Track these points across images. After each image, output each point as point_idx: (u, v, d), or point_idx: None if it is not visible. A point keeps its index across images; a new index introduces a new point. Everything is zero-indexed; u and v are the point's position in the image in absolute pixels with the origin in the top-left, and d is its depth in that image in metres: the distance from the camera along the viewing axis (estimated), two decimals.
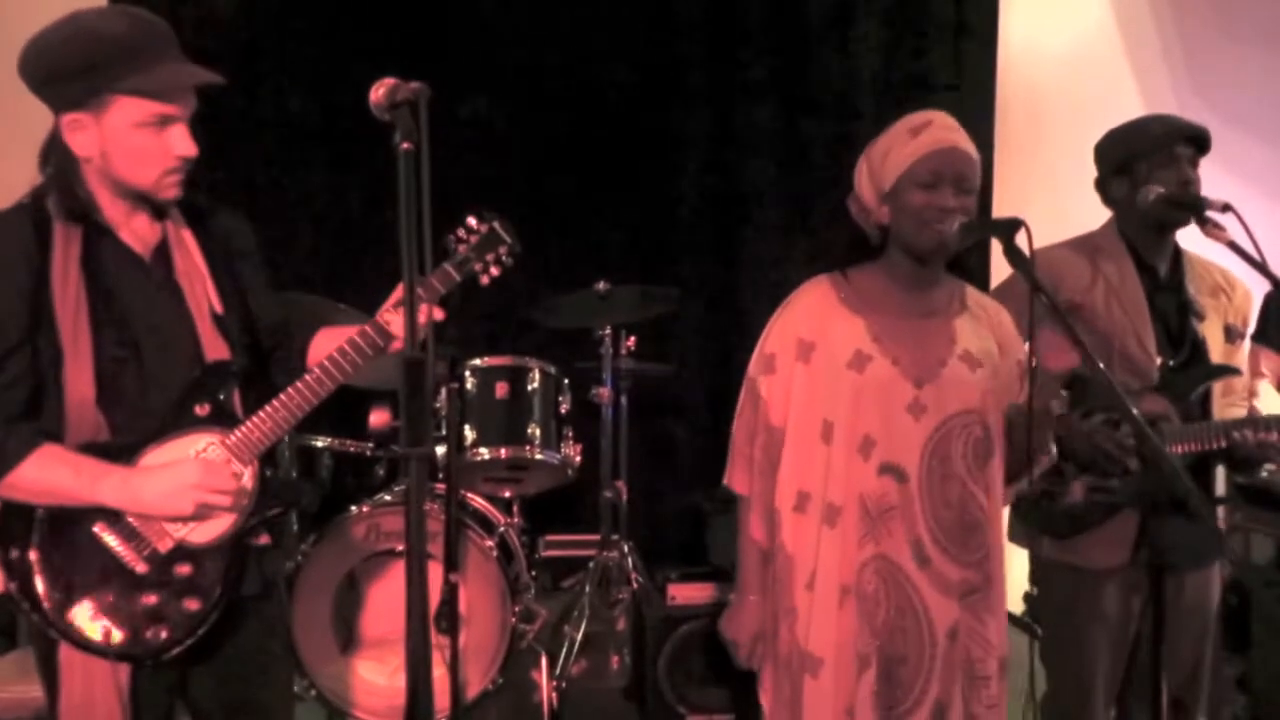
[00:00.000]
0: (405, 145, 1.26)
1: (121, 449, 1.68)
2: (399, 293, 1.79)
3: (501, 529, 3.34)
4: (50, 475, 1.62)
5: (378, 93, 1.38)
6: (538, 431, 3.19)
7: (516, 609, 3.11)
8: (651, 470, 4.30)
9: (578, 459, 3.38)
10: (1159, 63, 4.66)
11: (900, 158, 1.88)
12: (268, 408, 1.74)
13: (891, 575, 1.87)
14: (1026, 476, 1.97)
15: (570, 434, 3.37)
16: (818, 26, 4.50)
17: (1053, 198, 4.20)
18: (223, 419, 1.74)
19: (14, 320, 1.62)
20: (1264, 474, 2.35)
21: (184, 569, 1.70)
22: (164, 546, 1.69)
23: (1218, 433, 2.18)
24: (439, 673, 2.94)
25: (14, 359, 1.63)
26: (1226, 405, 2.34)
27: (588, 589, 3.47)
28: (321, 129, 4.18)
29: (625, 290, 3.44)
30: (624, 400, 3.69)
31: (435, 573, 2.64)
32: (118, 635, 1.66)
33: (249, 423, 1.74)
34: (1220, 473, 2.36)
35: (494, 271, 1.89)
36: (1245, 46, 4.64)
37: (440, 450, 2.88)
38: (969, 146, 1.88)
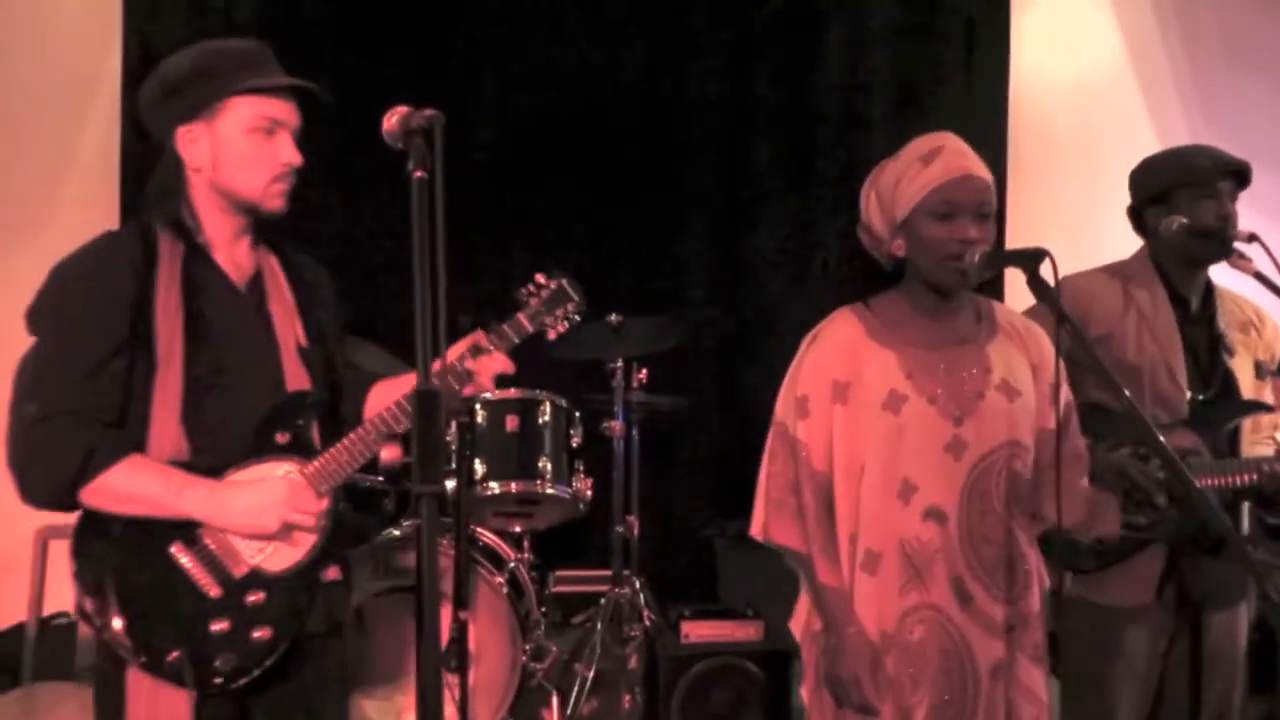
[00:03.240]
0: (419, 173, 1.24)
1: (205, 470, 1.68)
2: (474, 338, 1.84)
3: (512, 565, 3.29)
4: (139, 482, 1.62)
5: (391, 121, 1.36)
6: (548, 465, 3.15)
7: (527, 647, 3.06)
8: (664, 504, 4.25)
9: (589, 493, 3.34)
10: (1170, 93, 4.67)
11: (913, 189, 1.82)
12: (345, 440, 1.75)
13: (935, 619, 1.81)
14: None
15: (581, 468, 3.33)
16: (829, 56, 4.50)
17: (1065, 228, 4.19)
18: (301, 448, 1.75)
19: (116, 328, 1.64)
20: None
21: (256, 596, 1.69)
22: (239, 572, 1.68)
23: (1248, 468, 2.14)
24: (448, 712, 2.90)
25: (111, 365, 1.63)
26: (1254, 442, 2.29)
27: (599, 626, 3.41)
28: (332, 160, 4.18)
29: (637, 322, 3.41)
30: (635, 433, 3.64)
31: (445, 610, 2.61)
32: (189, 659, 1.63)
33: (326, 454, 1.74)
34: (1245, 511, 2.31)
35: (561, 327, 1.92)
36: (1255, 77, 4.64)
37: (450, 484, 2.84)
38: (983, 171, 1.83)
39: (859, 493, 1.84)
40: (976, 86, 4.56)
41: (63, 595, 3.09)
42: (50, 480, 1.61)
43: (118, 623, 1.62)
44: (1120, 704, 2.24)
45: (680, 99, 4.43)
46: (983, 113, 4.54)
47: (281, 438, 1.73)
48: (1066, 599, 2.32)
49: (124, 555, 1.64)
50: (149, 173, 3.95)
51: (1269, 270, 2.03)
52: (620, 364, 3.48)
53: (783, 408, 1.95)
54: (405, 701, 3.03)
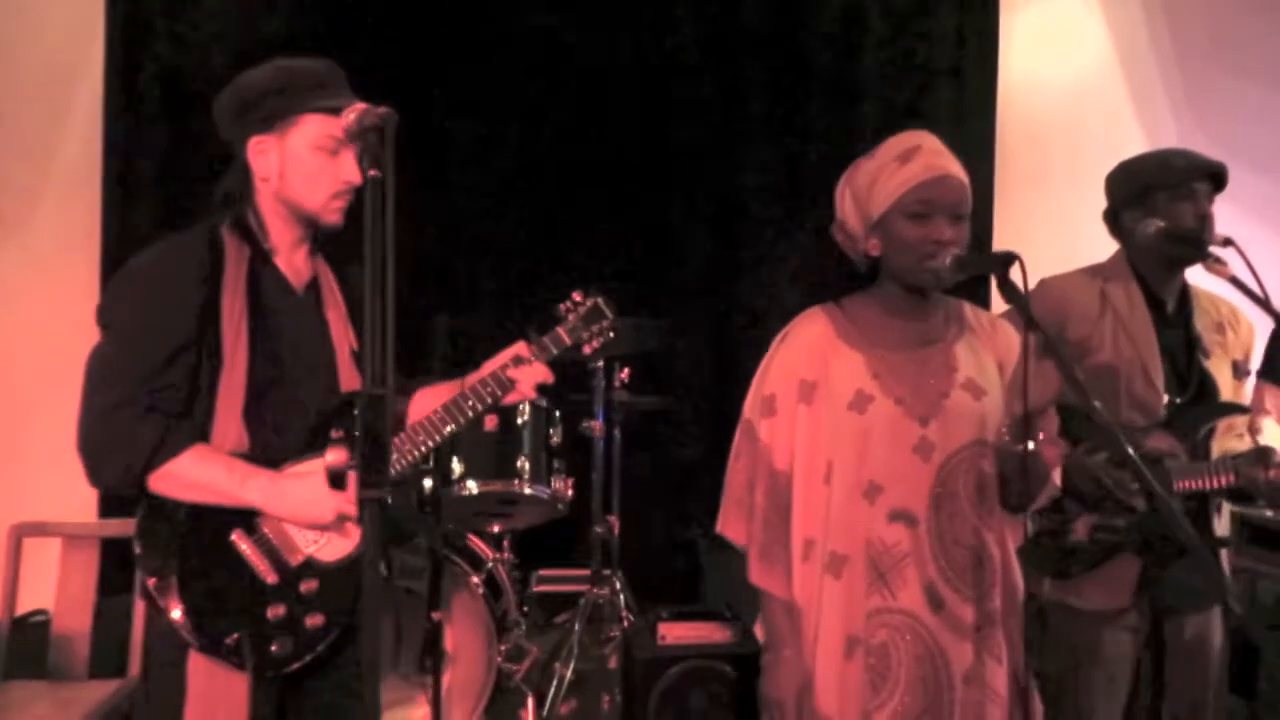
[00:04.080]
0: (372, 172, 1.22)
1: (263, 463, 1.75)
2: (515, 348, 1.95)
3: (490, 565, 3.27)
4: (204, 470, 1.69)
5: (348, 118, 1.35)
6: (527, 465, 3.12)
7: (503, 647, 3.04)
8: (647, 505, 4.23)
9: (569, 493, 3.31)
10: (1159, 96, 4.65)
11: (889, 187, 1.80)
12: (394, 440, 1.83)
13: (908, 625, 1.79)
14: (1026, 508, 1.88)
15: (562, 468, 3.30)
16: (818, 59, 4.48)
17: (1054, 231, 4.17)
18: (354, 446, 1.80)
19: (184, 326, 1.70)
20: (1261, 504, 2.29)
21: (310, 585, 1.77)
22: (294, 560, 1.76)
23: (1224, 469, 2.13)
24: (422, 712, 2.90)
25: (181, 360, 1.70)
26: (1227, 441, 2.28)
27: (577, 627, 3.39)
28: None
29: (619, 322, 3.37)
30: (617, 433, 3.63)
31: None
32: (248, 643, 1.70)
33: None
34: (1225, 512, 2.30)
35: (595, 344, 2.03)
36: (1245, 80, 4.63)
37: (428, 484, 2.83)
38: (960, 172, 1.82)
39: (826, 494, 1.83)
40: (966, 88, 4.53)
41: (36, 593, 3.07)
42: (121, 466, 1.68)
43: (179, 604, 1.69)
44: (1097, 706, 2.24)
45: (668, 95, 4.41)
46: (972, 114, 4.51)
47: (336, 434, 1.82)
48: (1045, 604, 2.32)
49: (187, 540, 1.71)
50: (131, 166, 3.99)
51: (1244, 275, 2.02)
52: (601, 364, 3.46)
53: (750, 406, 1.94)
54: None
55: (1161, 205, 2.24)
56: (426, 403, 1.98)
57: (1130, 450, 1.42)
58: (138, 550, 1.71)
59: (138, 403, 1.68)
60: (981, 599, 1.82)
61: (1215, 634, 2.28)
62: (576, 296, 2.02)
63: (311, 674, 1.81)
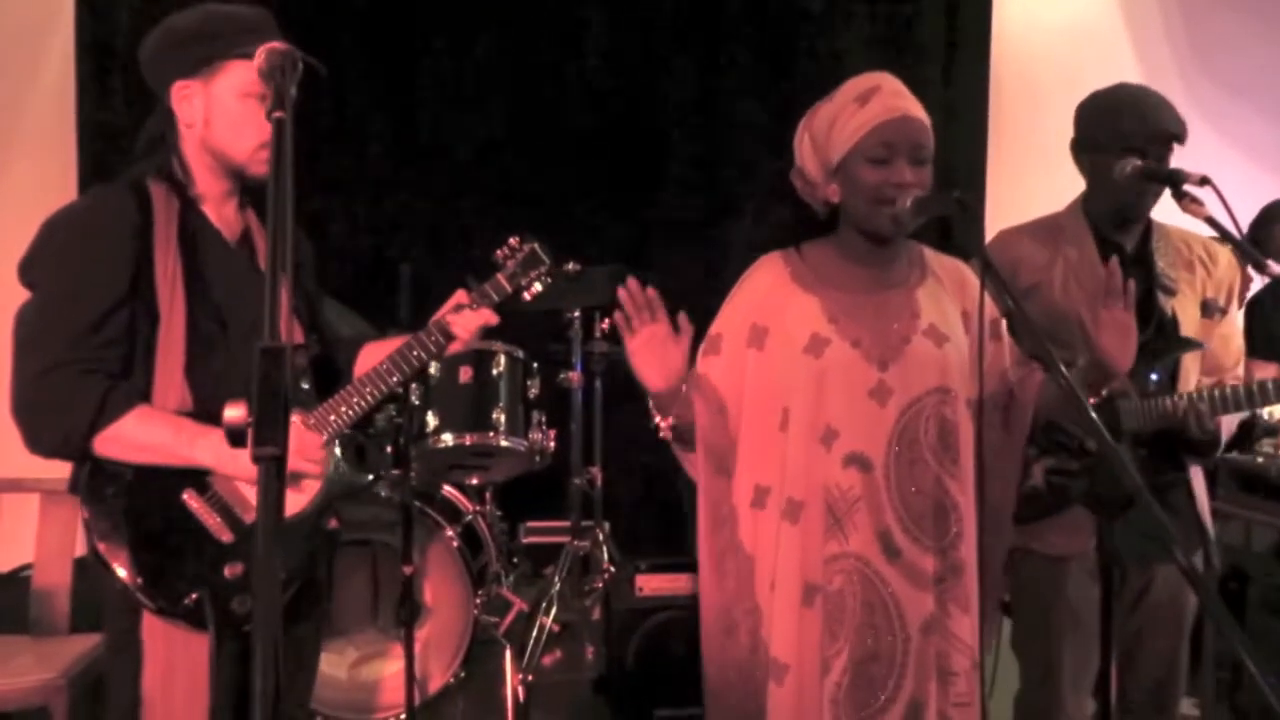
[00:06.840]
0: (277, 114, 1.16)
1: (207, 421, 1.69)
2: (456, 297, 1.92)
3: (469, 517, 3.25)
4: (151, 431, 1.64)
5: (260, 57, 1.29)
6: (503, 417, 3.08)
7: (479, 600, 3.03)
8: (631, 456, 4.20)
9: (550, 445, 3.28)
10: (1159, 34, 4.55)
11: (848, 130, 1.75)
12: (341, 393, 1.82)
13: (859, 570, 1.75)
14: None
15: (541, 419, 3.27)
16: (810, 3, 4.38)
17: (1048, 174, 4.06)
18: (300, 401, 1.80)
19: (117, 282, 1.64)
20: (1223, 454, 2.26)
21: None
22: (249, 517, 1.72)
23: (1152, 412, 2.11)
24: (399, 664, 2.90)
25: (115, 317, 1.64)
26: (1202, 385, 2.23)
27: (557, 579, 3.39)
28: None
29: (597, 271, 3.32)
30: (598, 384, 3.59)
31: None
32: (207, 603, 1.67)
33: (324, 406, 1.80)
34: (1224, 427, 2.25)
35: (536, 289, 2.00)
36: (1246, 17, 4.52)
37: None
38: (921, 112, 1.76)
39: (782, 441, 1.79)
40: (960, 28, 4.43)
41: (14, 550, 3.07)
42: (62, 429, 1.61)
43: (134, 568, 1.65)
44: (1064, 649, 2.21)
45: (655, 38, 4.31)
46: (966, 55, 4.43)
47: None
48: (1011, 549, 2.29)
49: (138, 502, 1.67)
50: (104, 113, 3.94)
51: (1221, 215, 1.95)
52: (578, 314, 3.42)
53: (701, 350, 1.91)
54: (356, 655, 3.02)
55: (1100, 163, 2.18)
56: (371, 357, 1.95)
57: (1091, 411, 1.36)
58: (85, 514, 1.66)
59: (74, 363, 1.61)
60: (945, 550, 1.79)
61: (1189, 591, 2.25)
62: (513, 242, 1.99)
63: None
